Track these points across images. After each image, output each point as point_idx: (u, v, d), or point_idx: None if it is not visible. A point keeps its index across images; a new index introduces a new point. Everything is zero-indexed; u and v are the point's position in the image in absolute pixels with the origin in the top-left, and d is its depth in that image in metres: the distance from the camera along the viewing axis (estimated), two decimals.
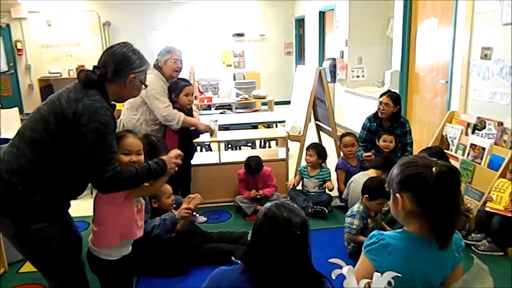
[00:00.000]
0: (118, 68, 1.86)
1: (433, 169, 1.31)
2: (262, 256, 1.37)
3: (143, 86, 2.00)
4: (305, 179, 3.96)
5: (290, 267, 1.37)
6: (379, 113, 3.99)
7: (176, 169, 2.05)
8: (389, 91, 4.14)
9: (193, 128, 3.53)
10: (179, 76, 3.50)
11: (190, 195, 2.90)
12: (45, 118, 1.74)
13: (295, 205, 1.46)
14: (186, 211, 2.73)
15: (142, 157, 2.08)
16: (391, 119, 4.00)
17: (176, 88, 3.36)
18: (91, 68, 1.89)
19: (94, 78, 1.82)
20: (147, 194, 2.35)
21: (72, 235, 1.98)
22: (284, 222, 1.36)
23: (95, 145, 1.72)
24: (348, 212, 3.06)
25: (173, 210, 2.84)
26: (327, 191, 3.96)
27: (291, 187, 3.98)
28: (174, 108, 3.34)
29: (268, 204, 1.45)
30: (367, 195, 2.95)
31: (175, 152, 2.08)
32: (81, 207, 2.70)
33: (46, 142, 1.74)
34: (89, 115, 1.71)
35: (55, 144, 1.74)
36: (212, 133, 3.86)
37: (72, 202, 1.99)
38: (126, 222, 1.96)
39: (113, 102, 1.95)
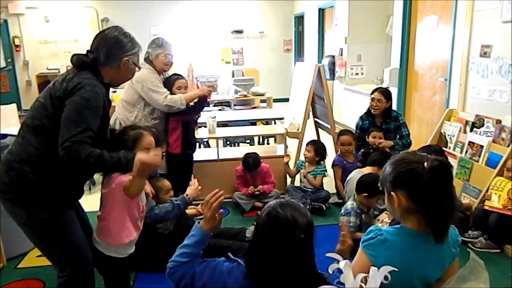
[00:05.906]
0: (110, 52, 1.87)
1: (425, 164, 1.32)
2: (264, 257, 1.31)
3: (136, 68, 2.02)
4: (301, 170, 4.02)
5: (293, 270, 1.30)
6: (372, 110, 4.00)
7: (162, 160, 2.02)
8: (379, 87, 4.15)
9: (194, 103, 3.44)
10: (173, 72, 3.49)
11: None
12: (43, 104, 1.78)
13: (301, 204, 1.39)
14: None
15: None
16: (383, 115, 4.02)
17: (169, 83, 3.35)
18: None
19: (87, 60, 1.85)
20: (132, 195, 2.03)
21: (84, 226, 2.01)
22: (287, 223, 1.29)
23: (68, 117, 1.70)
24: (342, 211, 3.02)
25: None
26: (325, 188, 3.97)
27: (287, 160, 4.16)
28: None
29: (272, 203, 1.38)
30: (365, 193, 2.91)
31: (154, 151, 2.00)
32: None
33: (46, 127, 1.76)
34: (75, 90, 1.74)
35: (55, 127, 1.74)
36: (212, 90, 3.66)
37: None
38: (132, 219, 1.99)
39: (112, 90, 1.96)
